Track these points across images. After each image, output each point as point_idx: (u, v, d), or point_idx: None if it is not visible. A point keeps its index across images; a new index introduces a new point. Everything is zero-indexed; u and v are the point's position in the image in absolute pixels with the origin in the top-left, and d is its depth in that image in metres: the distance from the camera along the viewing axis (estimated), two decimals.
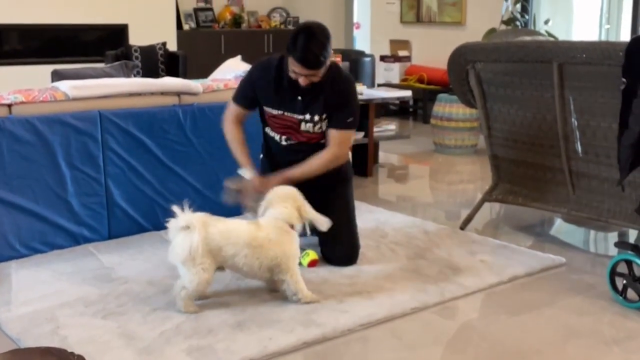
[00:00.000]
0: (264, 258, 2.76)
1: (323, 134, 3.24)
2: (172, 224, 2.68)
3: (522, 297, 2.98)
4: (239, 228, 2.79)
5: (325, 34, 3.03)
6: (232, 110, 3.32)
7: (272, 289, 2.92)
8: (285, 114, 3.20)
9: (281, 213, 2.83)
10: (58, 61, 7.52)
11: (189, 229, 2.64)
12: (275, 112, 3.23)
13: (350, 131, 3.25)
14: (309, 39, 2.96)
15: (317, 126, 3.21)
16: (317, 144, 3.24)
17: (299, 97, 3.16)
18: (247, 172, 3.21)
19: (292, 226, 2.84)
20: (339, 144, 3.20)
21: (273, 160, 3.36)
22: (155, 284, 3.03)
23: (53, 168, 3.40)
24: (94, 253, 3.41)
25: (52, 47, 8.02)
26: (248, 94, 3.27)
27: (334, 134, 3.19)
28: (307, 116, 3.18)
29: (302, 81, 3.07)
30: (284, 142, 3.27)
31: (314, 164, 3.17)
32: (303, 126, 3.20)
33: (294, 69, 3.04)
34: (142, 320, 2.67)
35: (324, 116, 3.18)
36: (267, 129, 3.32)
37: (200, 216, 2.71)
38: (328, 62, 3.06)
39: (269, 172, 3.28)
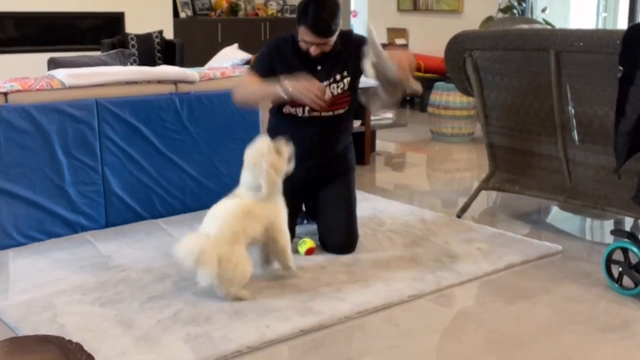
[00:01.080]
0: (259, 220, 2.82)
1: (347, 98, 3.21)
2: (186, 256, 2.66)
3: (519, 285, 2.99)
4: (227, 211, 2.80)
5: (336, 3, 3.04)
6: (249, 77, 3.20)
7: (266, 261, 2.98)
8: None
9: (250, 182, 2.86)
10: (54, 49, 7.50)
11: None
12: None
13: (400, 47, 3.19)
14: (321, 8, 2.97)
15: (340, 86, 3.18)
16: (338, 115, 3.22)
17: (319, 67, 3.15)
18: (286, 84, 2.99)
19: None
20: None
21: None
22: (153, 272, 3.03)
23: (50, 156, 3.40)
24: (91, 241, 3.41)
25: (49, 35, 7.98)
26: (267, 66, 3.18)
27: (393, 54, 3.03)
28: (331, 79, 3.16)
29: (313, 50, 3.06)
30: (306, 114, 3.19)
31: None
32: (327, 92, 3.13)
33: (305, 38, 3.04)
34: (139, 308, 2.67)
35: (345, 73, 3.17)
36: (285, 109, 3.23)
37: (205, 245, 2.66)
38: (338, 31, 3.06)
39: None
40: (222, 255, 2.64)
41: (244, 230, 2.75)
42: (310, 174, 3.25)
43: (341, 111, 3.24)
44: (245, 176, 2.89)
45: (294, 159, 2.94)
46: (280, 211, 2.92)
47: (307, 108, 3.17)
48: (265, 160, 2.83)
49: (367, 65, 2.97)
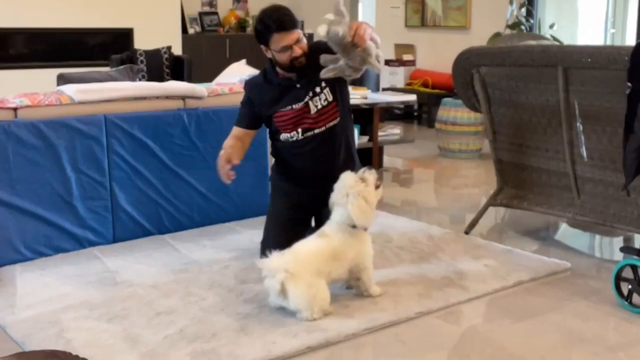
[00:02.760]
0: (345, 263, 2.82)
1: (334, 109, 3.22)
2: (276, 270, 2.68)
3: (527, 302, 2.97)
4: (314, 251, 2.78)
5: (282, 5, 3.20)
6: (234, 132, 3.31)
7: (349, 286, 2.98)
8: (293, 106, 3.21)
9: (341, 215, 2.84)
10: (64, 65, 7.55)
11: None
12: (283, 110, 3.22)
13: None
14: (274, 10, 3.12)
15: (323, 98, 3.20)
16: (331, 127, 3.23)
17: (297, 85, 3.20)
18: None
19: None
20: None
21: (290, 170, 3.35)
22: (160, 287, 3.03)
23: (58, 172, 3.41)
24: (99, 256, 3.42)
25: (58, 51, 8.05)
26: (248, 112, 3.29)
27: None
28: (310, 93, 3.20)
29: (296, 52, 3.11)
30: (300, 136, 3.23)
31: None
32: (312, 107, 3.19)
33: (281, 43, 3.09)
34: (146, 324, 2.67)
35: (322, 84, 3.18)
36: (280, 136, 3.28)
37: (287, 270, 2.67)
38: (300, 27, 3.16)
39: (283, 189, 3.34)
40: (305, 282, 2.67)
41: (328, 273, 2.77)
42: (315, 189, 3.25)
43: (333, 123, 3.25)
44: (336, 213, 2.87)
45: (375, 184, 2.91)
46: (366, 251, 2.90)
47: (299, 130, 3.22)
48: (352, 190, 2.82)
49: (322, 26, 2.95)
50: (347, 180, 2.87)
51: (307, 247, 2.81)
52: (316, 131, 3.22)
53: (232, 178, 3.18)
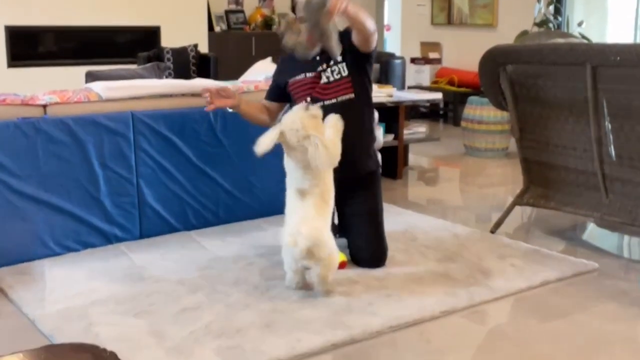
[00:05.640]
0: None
1: (347, 84, 3.24)
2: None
3: (554, 303, 2.95)
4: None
5: None
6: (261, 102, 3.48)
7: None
8: (307, 75, 3.29)
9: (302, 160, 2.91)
10: (92, 62, 7.66)
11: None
12: (298, 78, 3.31)
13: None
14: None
15: (336, 70, 3.24)
16: (344, 102, 3.23)
17: (317, 58, 3.27)
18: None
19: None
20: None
21: None
22: (186, 283, 3.05)
23: (86, 168, 3.45)
24: (126, 252, 3.45)
25: (87, 49, 8.15)
26: (274, 85, 3.46)
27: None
28: (324, 65, 3.25)
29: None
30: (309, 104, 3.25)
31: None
32: (324, 77, 3.25)
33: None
34: (172, 320, 2.69)
35: (339, 59, 3.23)
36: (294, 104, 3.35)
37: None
38: None
39: None
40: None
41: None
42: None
43: (346, 97, 3.25)
44: (289, 163, 2.95)
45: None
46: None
47: (308, 99, 3.25)
48: (304, 127, 2.85)
49: None
50: (301, 120, 2.86)
51: (309, 212, 2.87)
52: (326, 102, 3.23)
53: (209, 108, 3.34)
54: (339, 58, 3.23)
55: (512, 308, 2.93)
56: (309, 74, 3.28)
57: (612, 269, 3.35)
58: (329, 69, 3.25)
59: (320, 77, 3.26)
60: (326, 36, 3.03)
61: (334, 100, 3.23)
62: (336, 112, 3.14)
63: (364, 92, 3.33)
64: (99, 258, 3.37)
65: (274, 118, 3.45)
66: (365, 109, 3.34)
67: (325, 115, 3.11)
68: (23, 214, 3.28)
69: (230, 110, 3.45)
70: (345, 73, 3.25)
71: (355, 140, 3.20)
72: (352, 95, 3.25)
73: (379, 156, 3.58)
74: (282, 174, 3.36)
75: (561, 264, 3.32)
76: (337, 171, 3.05)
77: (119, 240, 3.58)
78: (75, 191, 3.43)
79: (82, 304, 2.83)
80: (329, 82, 3.25)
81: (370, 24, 3.08)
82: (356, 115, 3.25)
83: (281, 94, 3.44)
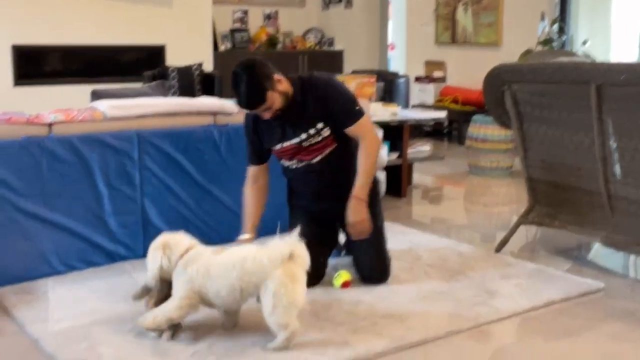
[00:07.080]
0: None
1: (331, 138, 3.19)
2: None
3: (559, 323, 2.93)
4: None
5: (252, 72, 3.03)
6: (249, 172, 3.35)
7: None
8: (284, 144, 3.21)
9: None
10: (97, 81, 7.68)
11: None
12: (276, 147, 3.24)
13: (364, 116, 3.17)
14: (238, 83, 3.00)
15: (319, 136, 3.18)
16: (329, 154, 3.21)
17: (286, 125, 3.17)
18: (244, 237, 3.19)
19: None
20: (365, 133, 3.15)
21: (302, 190, 3.36)
22: None
23: (91, 186, 3.45)
24: (130, 271, 3.44)
25: (92, 68, 8.19)
26: (253, 148, 3.32)
27: (354, 130, 3.14)
28: (303, 135, 3.17)
29: (265, 116, 3.09)
30: (298, 165, 3.26)
31: (364, 164, 3.12)
32: (306, 145, 3.19)
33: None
34: (175, 340, 2.67)
35: (319, 125, 3.15)
36: (281, 162, 3.34)
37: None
38: (270, 94, 3.01)
39: (298, 204, 3.37)
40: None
41: None
42: (327, 210, 3.30)
43: (329, 150, 3.21)
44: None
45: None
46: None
47: (295, 160, 3.24)
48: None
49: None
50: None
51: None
52: (313, 161, 3.22)
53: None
54: (319, 125, 3.15)
55: (517, 328, 2.91)
56: (285, 144, 3.19)
57: (618, 288, 3.33)
58: (311, 138, 3.16)
59: (301, 145, 3.18)
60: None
61: (319, 157, 3.22)
62: (323, 165, 3.20)
63: (344, 141, 3.23)
64: (103, 277, 3.36)
65: (267, 175, 3.35)
66: (348, 149, 3.24)
67: (316, 170, 3.19)
68: (27, 232, 3.28)
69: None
70: (328, 133, 3.18)
71: (343, 182, 3.19)
72: (335, 145, 3.22)
73: (381, 175, 3.59)
74: (284, 194, 3.37)
75: (566, 284, 3.30)
76: (335, 208, 3.15)
77: (122, 258, 3.57)
78: (79, 210, 3.43)
79: (85, 323, 2.82)
80: (312, 145, 3.19)
81: (377, 166, 3.11)
82: (342, 159, 3.23)
83: (264, 155, 3.32)
